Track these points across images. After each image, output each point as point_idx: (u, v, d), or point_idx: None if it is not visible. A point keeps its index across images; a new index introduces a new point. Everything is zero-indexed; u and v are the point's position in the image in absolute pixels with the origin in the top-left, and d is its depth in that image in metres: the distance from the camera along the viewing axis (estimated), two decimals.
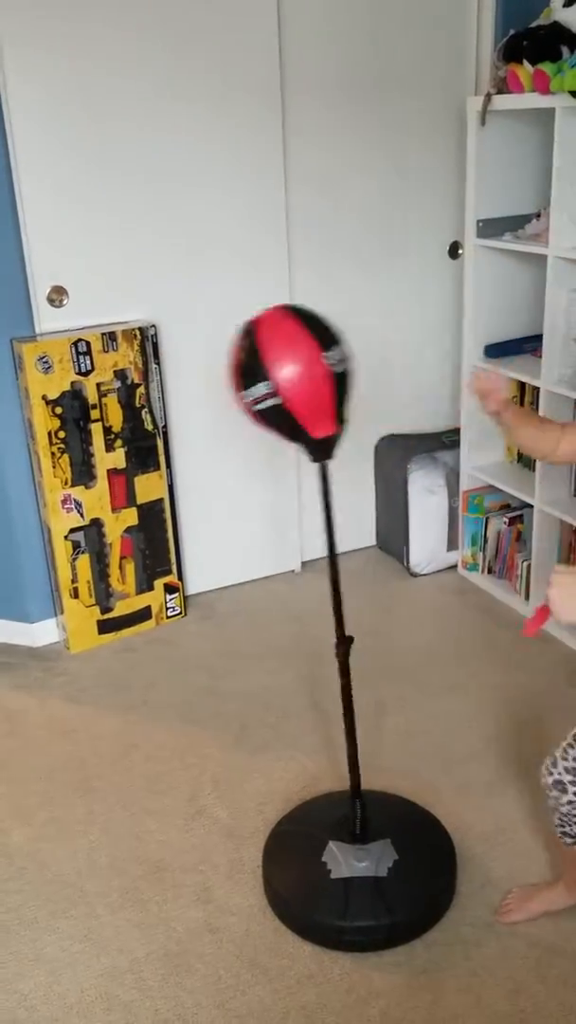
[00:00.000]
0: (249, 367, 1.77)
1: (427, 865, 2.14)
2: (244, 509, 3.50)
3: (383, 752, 2.57)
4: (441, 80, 3.34)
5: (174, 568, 3.34)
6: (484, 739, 2.66)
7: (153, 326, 3.06)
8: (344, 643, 2.07)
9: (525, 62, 2.76)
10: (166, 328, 3.15)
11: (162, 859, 2.29)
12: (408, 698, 2.84)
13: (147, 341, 3.05)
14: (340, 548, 3.72)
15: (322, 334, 1.78)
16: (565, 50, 2.66)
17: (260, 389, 1.76)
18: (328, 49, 3.14)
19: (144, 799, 2.49)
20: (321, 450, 1.89)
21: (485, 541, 3.44)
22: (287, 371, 1.74)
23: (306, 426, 1.81)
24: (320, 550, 3.71)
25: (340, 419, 1.83)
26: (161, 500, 3.24)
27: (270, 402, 1.76)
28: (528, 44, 2.75)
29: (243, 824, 2.38)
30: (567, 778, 1.80)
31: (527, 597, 3.26)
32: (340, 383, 1.80)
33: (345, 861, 2.08)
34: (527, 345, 3.27)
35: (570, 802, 1.82)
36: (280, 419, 1.79)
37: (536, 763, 2.54)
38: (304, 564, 3.68)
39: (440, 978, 1.95)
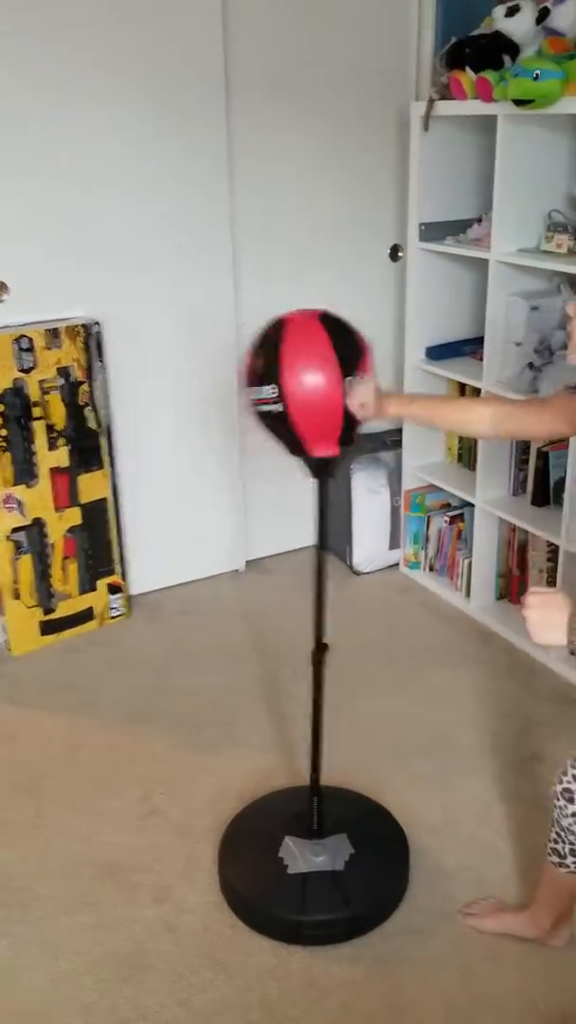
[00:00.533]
0: (263, 365, 1.70)
1: (382, 858, 2.17)
2: (188, 509, 3.49)
3: (335, 748, 2.58)
4: (383, 85, 3.39)
5: (118, 568, 3.31)
6: (432, 733, 2.71)
7: (97, 323, 3.03)
8: (321, 650, 2.08)
9: (468, 69, 2.82)
10: (111, 326, 3.12)
11: (115, 860, 2.27)
12: (356, 695, 2.87)
13: (91, 338, 3.02)
14: (282, 548, 3.79)
15: (349, 356, 1.71)
16: (507, 59, 2.73)
17: (266, 391, 1.69)
18: (272, 52, 3.15)
19: (94, 800, 2.46)
20: (319, 469, 1.85)
21: (427, 539, 3.50)
22: (299, 384, 1.67)
23: (305, 442, 1.75)
24: (263, 549, 3.74)
25: (345, 441, 1.78)
26: (105, 499, 3.21)
27: (272, 407, 1.70)
28: (471, 52, 2.81)
29: (196, 822, 2.38)
30: (573, 787, 1.74)
31: (468, 594, 3.32)
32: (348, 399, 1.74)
33: (302, 856, 2.10)
34: (468, 347, 3.34)
35: (574, 814, 1.75)
36: (279, 428, 1.74)
37: (482, 755, 2.61)
38: (248, 563, 3.68)
39: (397, 968, 1.98)
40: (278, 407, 1.69)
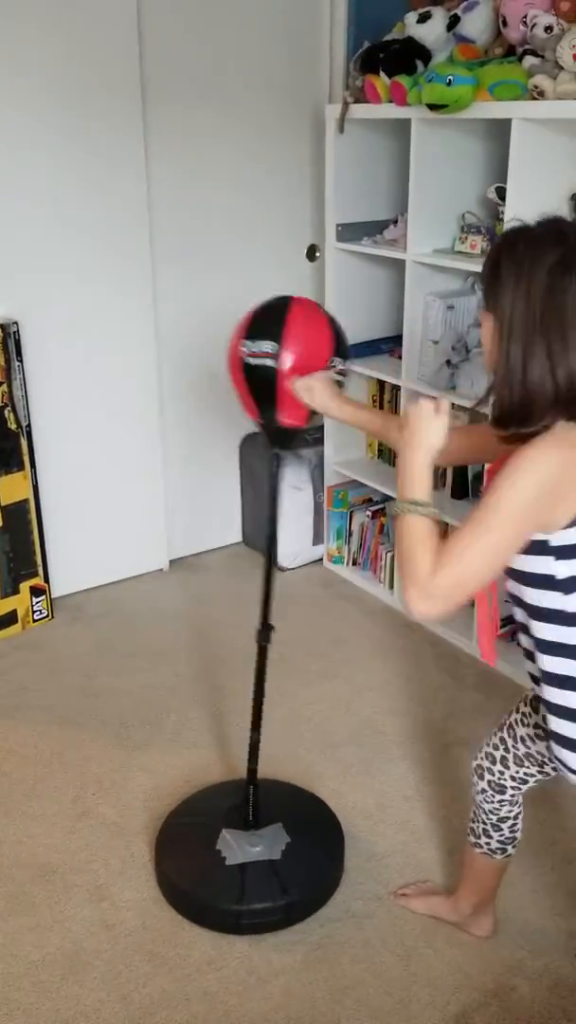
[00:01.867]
0: (267, 323, 1.81)
1: (318, 845, 2.21)
2: (110, 509, 3.47)
3: (266, 740, 2.59)
4: (297, 88, 3.43)
5: (40, 570, 3.27)
6: (360, 722, 2.76)
7: (15, 323, 2.99)
8: (267, 630, 2.12)
9: (382, 73, 2.88)
10: (29, 326, 3.09)
11: (50, 862, 2.25)
12: (285, 687, 2.91)
13: (9, 338, 2.98)
14: (205, 546, 3.80)
15: (339, 343, 1.86)
16: (420, 64, 2.80)
17: (264, 346, 1.79)
18: (188, 51, 3.16)
19: (24, 804, 2.43)
20: (281, 438, 1.94)
21: (350, 534, 3.56)
22: (299, 348, 1.79)
23: (282, 404, 1.84)
24: (186, 548, 3.74)
25: (311, 415, 1.88)
26: (26, 501, 3.17)
27: (266, 362, 1.79)
28: (384, 57, 2.88)
29: (131, 821, 2.37)
30: (485, 763, 1.82)
31: (391, 586, 3.39)
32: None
33: (239, 847, 2.12)
34: (386, 345, 3.41)
35: (483, 791, 1.84)
36: (262, 384, 1.82)
37: (409, 742, 2.67)
38: (172, 562, 3.68)
39: (336, 951, 2.01)
40: (271, 363, 1.79)
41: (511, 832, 1.88)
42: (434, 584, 1.33)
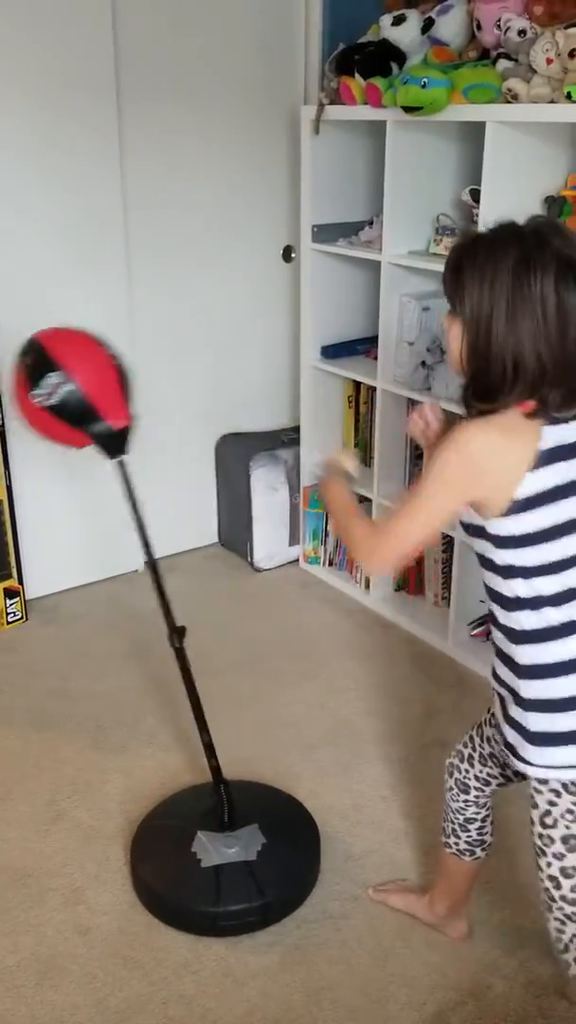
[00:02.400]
0: (37, 365, 1.84)
1: (294, 846, 2.20)
2: (83, 510, 3.45)
3: (243, 742, 2.62)
4: (272, 88, 3.43)
5: (14, 572, 3.25)
6: (337, 723, 2.76)
7: None
8: (178, 633, 2.16)
9: (357, 75, 2.89)
10: (5, 327, 3.06)
11: (24, 866, 2.23)
12: (261, 688, 2.90)
13: None
14: (180, 548, 3.79)
15: (93, 334, 1.93)
16: (395, 66, 2.81)
17: (51, 380, 1.81)
18: (163, 51, 3.15)
19: None
20: (116, 444, 1.96)
21: (326, 535, 3.56)
22: (76, 359, 1.83)
23: (102, 412, 1.86)
24: (162, 549, 3.71)
25: (131, 408, 1.92)
26: (0, 502, 3.15)
27: (65, 388, 1.81)
28: (359, 59, 2.88)
29: (106, 824, 2.36)
30: (455, 761, 1.85)
31: (367, 587, 3.40)
32: (123, 374, 1.92)
33: (215, 849, 2.11)
34: (362, 346, 3.42)
35: (450, 788, 1.86)
36: (76, 407, 1.84)
37: (386, 742, 2.68)
38: (146, 564, 3.65)
39: (313, 952, 2.01)
40: (70, 385, 1.82)
41: (479, 835, 1.88)
42: (373, 542, 1.53)
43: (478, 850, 1.91)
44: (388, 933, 2.06)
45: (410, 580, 3.37)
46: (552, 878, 1.55)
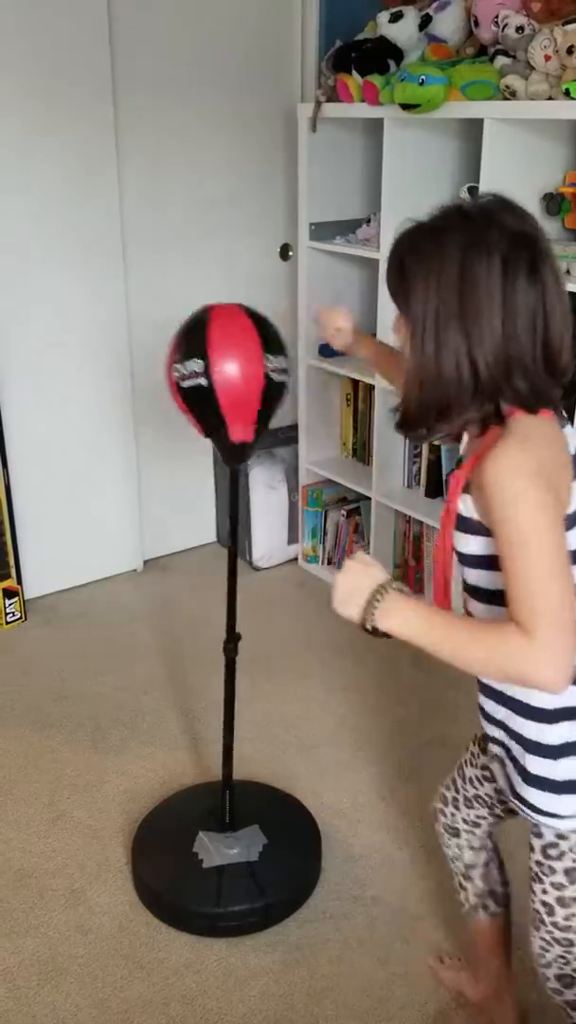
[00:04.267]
0: (191, 341, 1.76)
1: (295, 846, 2.20)
2: (84, 509, 3.45)
3: (242, 741, 2.60)
4: (269, 85, 3.42)
5: (13, 572, 3.24)
6: (336, 722, 2.76)
7: None
8: (233, 640, 2.11)
9: (355, 73, 2.88)
10: (2, 324, 3.05)
11: (24, 867, 2.23)
12: (260, 687, 2.90)
13: None
14: (179, 547, 3.78)
15: (269, 339, 1.79)
16: (392, 64, 2.80)
17: (192, 366, 1.73)
18: (160, 48, 3.14)
19: None
20: (234, 454, 1.88)
21: (324, 533, 3.56)
22: (226, 356, 1.73)
23: (225, 421, 1.78)
24: (160, 548, 3.72)
25: (260, 426, 1.82)
26: None
27: (198, 381, 1.73)
28: (357, 56, 2.87)
29: (106, 825, 2.36)
30: (439, 805, 1.73)
31: None
32: (272, 391, 1.80)
33: (216, 850, 2.11)
34: None
35: (440, 835, 1.74)
36: (202, 405, 1.77)
37: (386, 740, 2.68)
38: (146, 563, 3.66)
39: (314, 952, 2.01)
40: (203, 381, 1.74)
41: (484, 883, 1.72)
42: (539, 645, 1.13)
43: (490, 902, 1.73)
44: (388, 933, 2.06)
45: (409, 579, 3.36)
46: (546, 904, 1.43)
